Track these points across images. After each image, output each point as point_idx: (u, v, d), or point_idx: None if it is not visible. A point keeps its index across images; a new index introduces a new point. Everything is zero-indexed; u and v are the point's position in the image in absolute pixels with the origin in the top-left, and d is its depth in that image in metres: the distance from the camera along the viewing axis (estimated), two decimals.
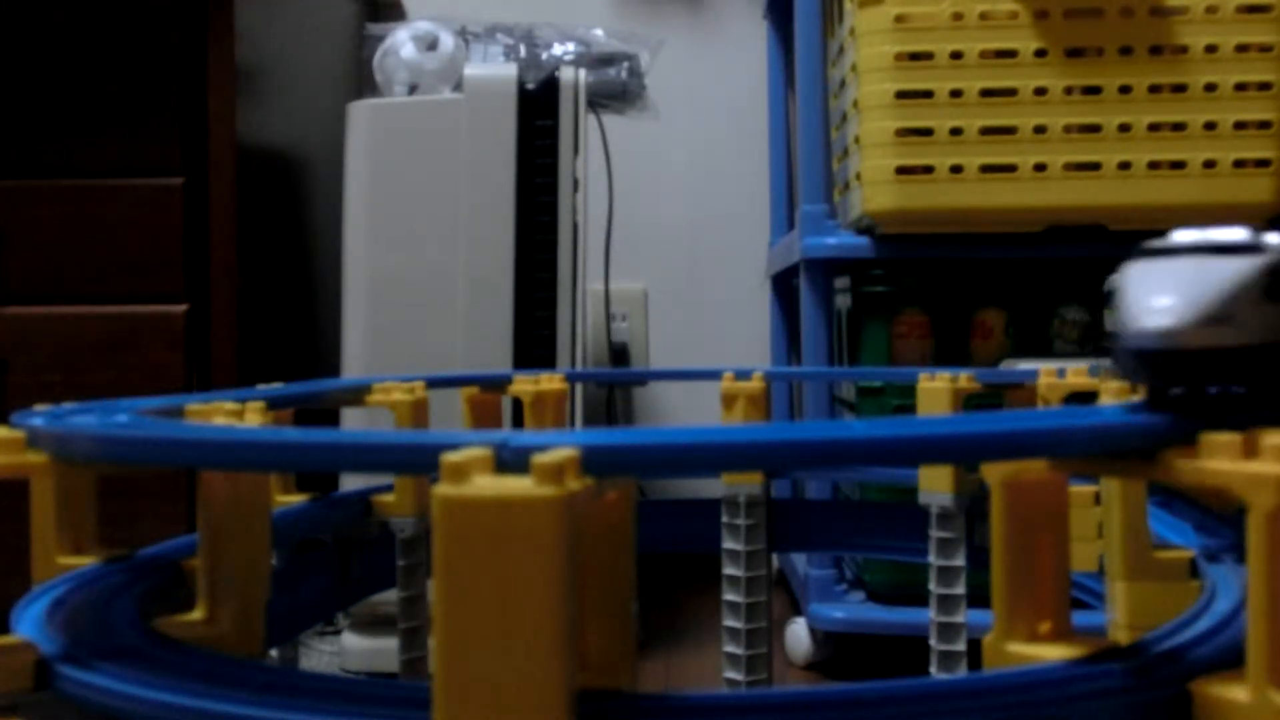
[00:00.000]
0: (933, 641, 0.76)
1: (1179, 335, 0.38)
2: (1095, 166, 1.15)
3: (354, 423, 1.16)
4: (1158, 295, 0.38)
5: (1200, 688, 0.35)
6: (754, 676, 0.82)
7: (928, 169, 1.16)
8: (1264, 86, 1.14)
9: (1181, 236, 0.41)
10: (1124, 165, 1.15)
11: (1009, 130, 1.15)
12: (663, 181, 1.79)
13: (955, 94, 1.15)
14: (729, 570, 0.83)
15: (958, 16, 1.15)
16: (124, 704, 0.36)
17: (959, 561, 0.76)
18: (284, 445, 0.37)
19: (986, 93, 1.15)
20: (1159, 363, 0.39)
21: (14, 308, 1.20)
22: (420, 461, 0.33)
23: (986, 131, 1.15)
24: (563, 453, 0.32)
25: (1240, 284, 0.38)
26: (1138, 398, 0.44)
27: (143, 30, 1.21)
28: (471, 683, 0.30)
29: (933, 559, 0.76)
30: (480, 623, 0.30)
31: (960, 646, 0.75)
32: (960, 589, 0.76)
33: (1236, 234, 0.40)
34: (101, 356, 1.20)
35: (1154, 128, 1.15)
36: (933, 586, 0.76)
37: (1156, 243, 0.41)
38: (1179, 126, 1.15)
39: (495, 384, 0.79)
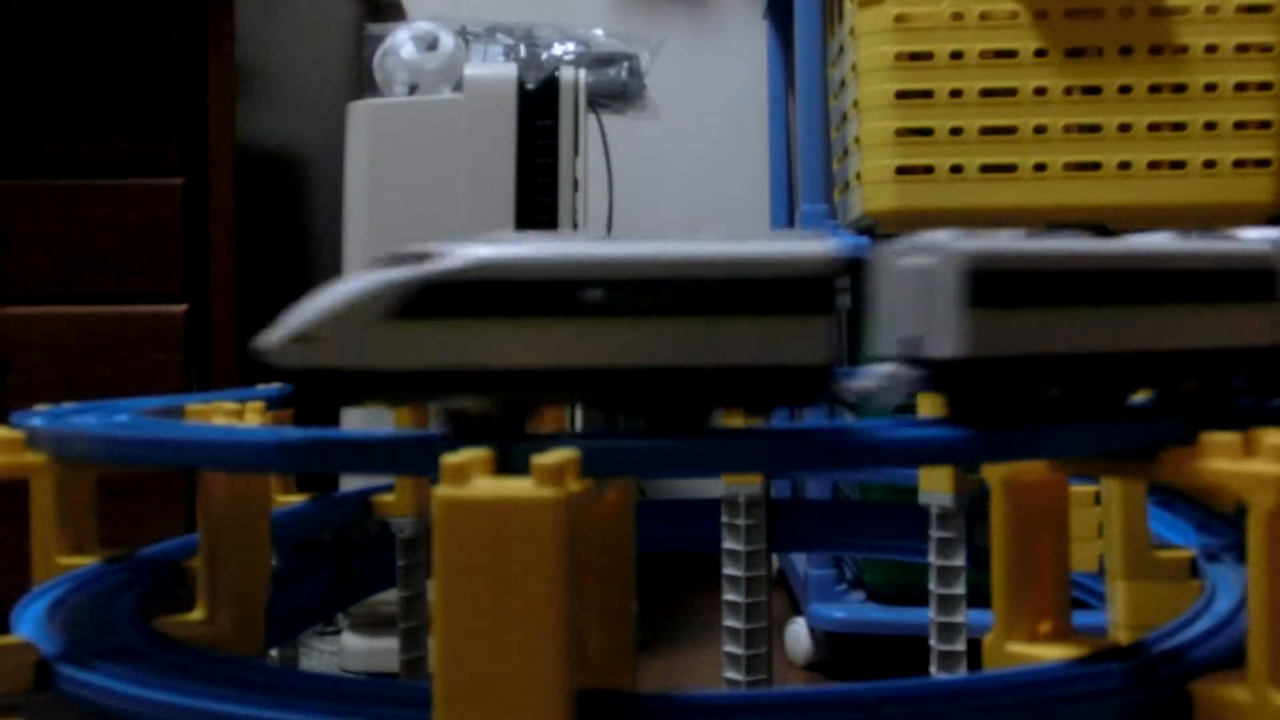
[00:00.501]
0: (933, 641, 0.76)
1: (271, 353, 0.35)
2: (1095, 166, 1.15)
3: (354, 423, 1.16)
4: (304, 308, 0.35)
5: (1200, 688, 0.35)
6: (754, 676, 0.82)
7: (928, 169, 1.16)
8: (1264, 86, 1.14)
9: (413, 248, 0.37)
10: (1124, 165, 1.15)
11: (1009, 130, 1.15)
12: (663, 181, 1.78)
13: (955, 94, 1.15)
14: (729, 570, 0.83)
15: (958, 16, 1.15)
16: (124, 704, 0.36)
17: (959, 561, 0.76)
18: (283, 445, 0.37)
19: (986, 93, 1.15)
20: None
21: (14, 308, 1.20)
22: (420, 462, 0.33)
23: (986, 131, 1.15)
24: (563, 453, 0.32)
25: (348, 301, 0.35)
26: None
27: (142, 30, 1.21)
28: (471, 683, 0.30)
29: (933, 559, 0.76)
30: (480, 623, 0.30)
31: (960, 646, 0.75)
32: (960, 589, 0.76)
33: (426, 246, 0.36)
34: (101, 356, 1.19)
35: (1154, 128, 1.15)
36: (933, 586, 0.76)
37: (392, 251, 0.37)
38: (1179, 126, 1.15)
39: None
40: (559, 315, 0.35)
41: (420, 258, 0.35)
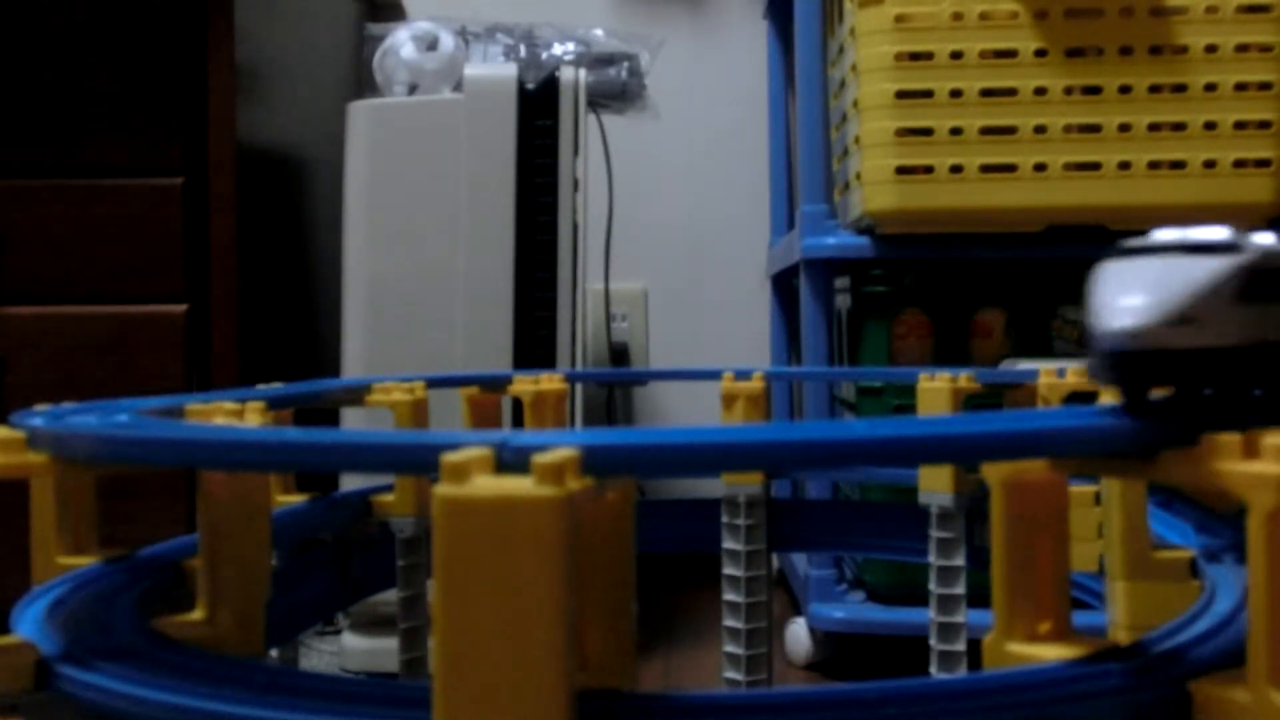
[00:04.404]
0: (933, 641, 0.76)
1: (1145, 336, 0.36)
2: (1095, 166, 1.15)
3: (354, 423, 1.16)
4: (1127, 295, 0.37)
5: (1200, 688, 0.35)
6: (754, 676, 0.82)
7: (928, 169, 1.16)
8: (1264, 86, 1.14)
9: (1160, 235, 0.39)
10: (1124, 165, 1.15)
11: (1009, 130, 1.15)
12: (663, 181, 1.78)
13: (955, 94, 1.15)
14: (729, 570, 0.83)
15: (958, 16, 1.15)
16: (124, 704, 0.36)
17: (959, 561, 0.76)
18: (284, 445, 0.37)
19: (986, 93, 1.15)
20: (1126, 363, 0.37)
21: (14, 308, 1.20)
22: (420, 461, 0.33)
23: (986, 131, 1.15)
24: (563, 453, 0.32)
25: (1211, 284, 0.37)
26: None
27: (143, 30, 1.21)
28: (471, 682, 0.30)
29: (933, 559, 0.76)
30: (480, 623, 0.30)
31: (960, 646, 0.75)
32: (960, 589, 0.76)
33: (1213, 233, 0.38)
34: (101, 356, 1.19)
35: (1154, 128, 1.15)
36: (933, 586, 0.76)
37: (1133, 241, 0.39)
38: (1179, 126, 1.15)
39: (495, 384, 0.79)
40: None
41: (1227, 247, 0.38)
